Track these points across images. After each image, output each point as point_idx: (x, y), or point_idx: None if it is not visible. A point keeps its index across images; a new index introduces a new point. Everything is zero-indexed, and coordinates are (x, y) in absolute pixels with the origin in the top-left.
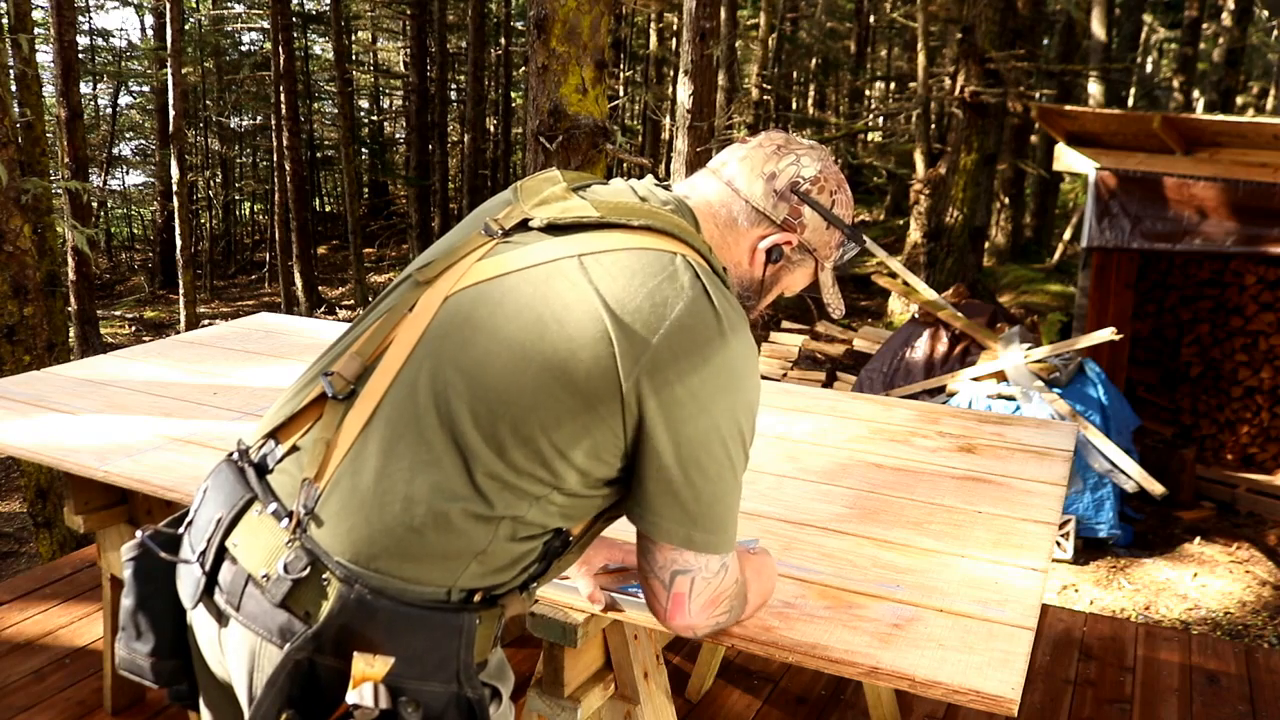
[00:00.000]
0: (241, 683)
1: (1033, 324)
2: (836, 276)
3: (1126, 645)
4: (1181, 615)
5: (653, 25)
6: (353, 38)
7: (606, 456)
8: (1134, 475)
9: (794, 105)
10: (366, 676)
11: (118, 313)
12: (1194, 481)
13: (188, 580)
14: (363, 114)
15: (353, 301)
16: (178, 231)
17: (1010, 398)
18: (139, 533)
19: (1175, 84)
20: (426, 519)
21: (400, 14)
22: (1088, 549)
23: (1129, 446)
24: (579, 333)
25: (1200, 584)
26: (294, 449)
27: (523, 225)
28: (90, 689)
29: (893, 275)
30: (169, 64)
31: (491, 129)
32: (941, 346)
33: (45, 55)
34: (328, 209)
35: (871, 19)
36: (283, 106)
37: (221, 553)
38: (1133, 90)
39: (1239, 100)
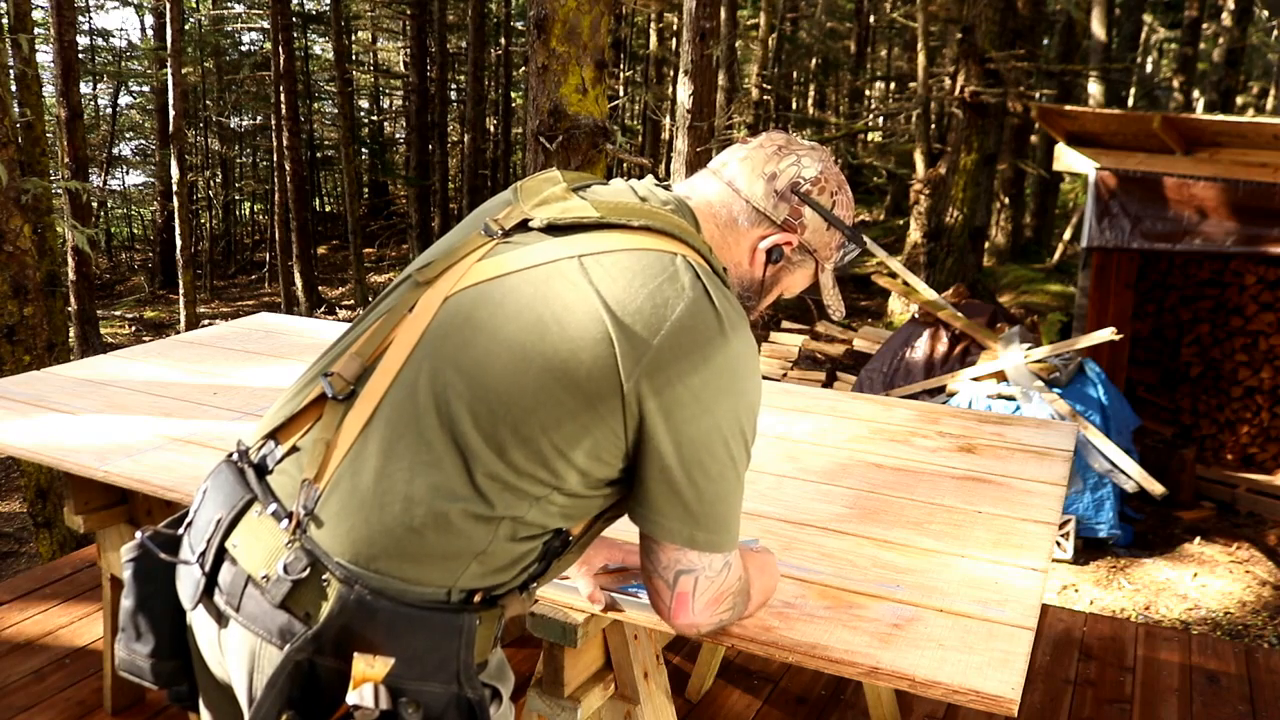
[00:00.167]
0: (241, 684)
1: (1033, 324)
2: (836, 278)
3: (1126, 645)
4: (1181, 615)
5: (653, 25)
6: (353, 38)
7: (607, 457)
8: (1134, 475)
9: (794, 105)
10: (367, 677)
11: (118, 313)
12: (1194, 481)
13: (187, 581)
14: (363, 114)
15: (353, 301)
16: (178, 231)
17: (1010, 398)
18: (139, 533)
19: (1175, 84)
20: (426, 519)
21: (400, 14)
22: (1088, 549)
23: (1129, 446)
24: (579, 334)
25: (1200, 584)
26: (294, 450)
27: (523, 225)
28: (90, 689)
29: (893, 275)
30: (169, 64)
31: (491, 129)
32: (941, 346)
33: (45, 55)
34: (328, 209)
35: (871, 19)
36: (283, 106)
37: (221, 553)
38: (1133, 90)
39: (1239, 100)
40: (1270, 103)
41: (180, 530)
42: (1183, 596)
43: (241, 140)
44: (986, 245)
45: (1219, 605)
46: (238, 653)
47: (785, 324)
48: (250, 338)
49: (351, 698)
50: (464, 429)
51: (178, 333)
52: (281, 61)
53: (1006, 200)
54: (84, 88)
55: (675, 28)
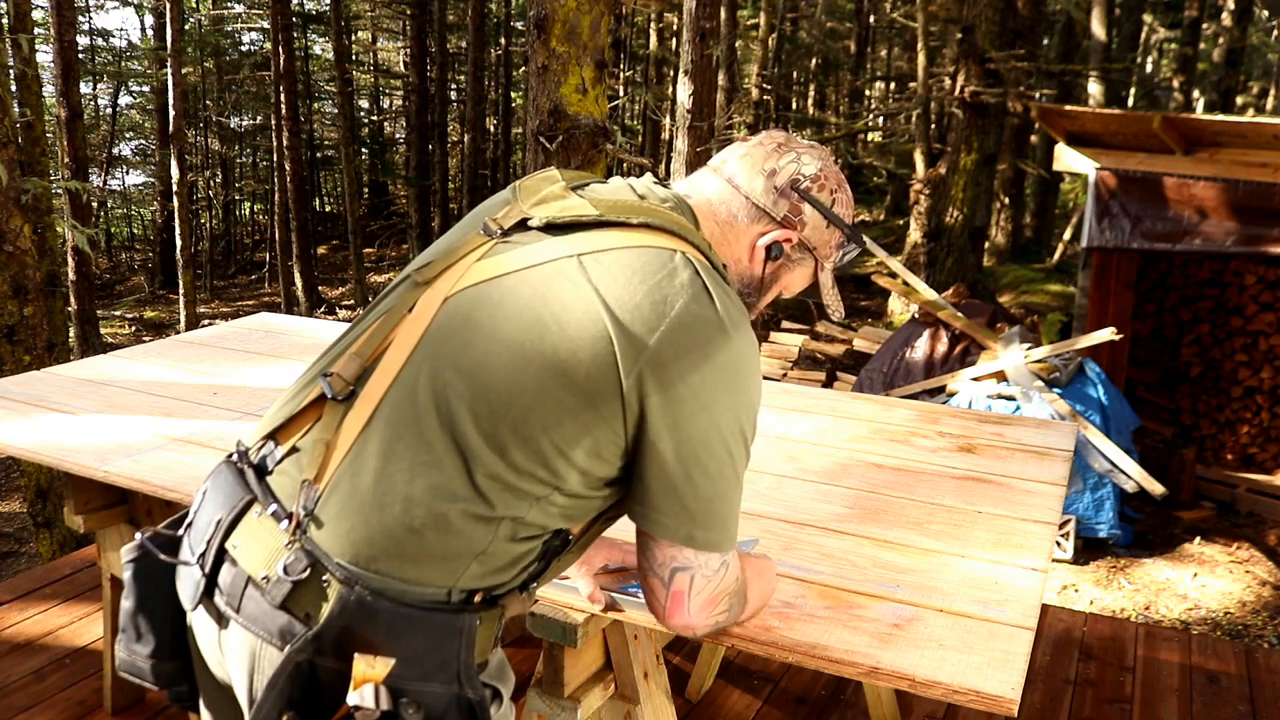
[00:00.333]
0: (242, 684)
1: (1033, 324)
2: (836, 278)
3: (1126, 645)
4: (1181, 615)
5: (653, 25)
6: (353, 38)
7: (607, 456)
8: (1134, 475)
9: (794, 105)
10: (367, 678)
11: (118, 313)
12: (1194, 481)
13: (187, 582)
14: (363, 114)
15: (353, 301)
16: (178, 231)
17: (1010, 398)
18: (139, 534)
19: (1175, 84)
20: (426, 520)
21: (400, 14)
22: (1088, 549)
23: (1129, 446)
24: (578, 333)
25: (1200, 584)
26: (293, 450)
27: (521, 225)
28: (90, 689)
29: (893, 275)
30: (169, 64)
31: (491, 129)
32: (941, 346)
33: (45, 55)
34: (328, 209)
35: (871, 19)
36: (283, 106)
37: (221, 554)
38: (1133, 90)
39: (1239, 100)
40: (1270, 103)
41: (180, 531)
42: (1183, 596)
43: (241, 140)
44: (986, 245)
45: (1219, 605)
46: (238, 653)
47: (785, 324)
48: (250, 338)
49: (352, 698)
50: (464, 429)
51: (178, 333)
52: (281, 61)
53: (1006, 200)
54: (84, 88)
55: (675, 28)
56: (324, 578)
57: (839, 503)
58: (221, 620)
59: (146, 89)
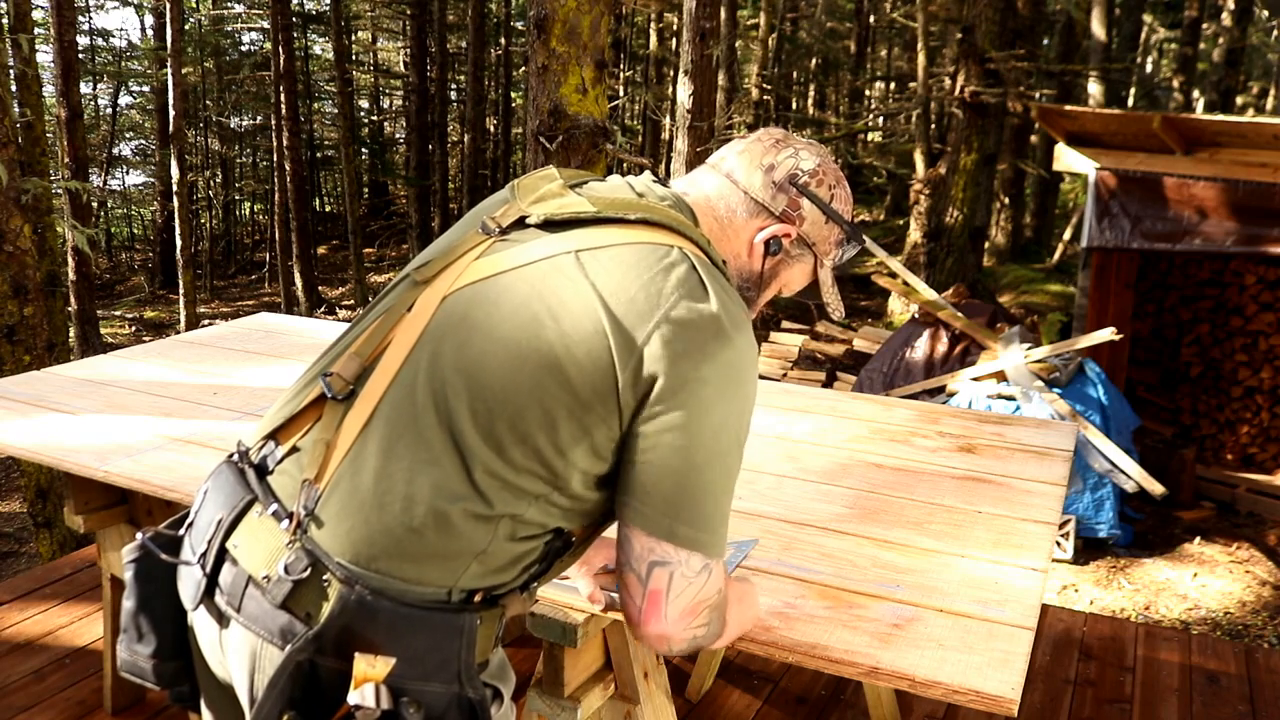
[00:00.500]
0: (243, 684)
1: (1033, 324)
2: (836, 277)
3: (1126, 645)
4: (1181, 615)
5: (653, 25)
6: (353, 38)
7: (605, 454)
8: (1134, 475)
9: (794, 105)
10: (368, 677)
11: (118, 313)
12: (1194, 481)
13: (188, 582)
14: (363, 114)
15: (353, 301)
16: (178, 231)
17: (1010, 398)
18: (139, 534)
19: (1175, 84)
20: (426, 519)
21: (400, 14)
22: (1088, 549)
23: (1129, 446)
24: (574, 328)
25: (1200, 584)
26: (294, 450)
27: (520, 223)
28: (90, 689)
29: (893, 275)
30: (169, 64)
31: (491, 129)
32: (941, 346)
33: (45, 55)
34: (328, 209)
35: (871, 19)
36: (283, 106)
37: (222, 554)
38: (1133, 90)
39: (1239, 100)
40: (1270, 103)
41: (181, 531)
42: (1183, 596)
43: (241, 140)
44: (986, 245)
45: (1219, 605)
46: (239, 653)
47: (785, 324)
48: (250, 338)
49: (353, 698)
50: (462, 427)
51: (178, 333)
52: (281, 61)
53: (1006, 200)
54: (84, 88)
55: (675, 28)
56: (324, 577)
57: (839, 503)
58: (222, 620)
59: (146, 89)
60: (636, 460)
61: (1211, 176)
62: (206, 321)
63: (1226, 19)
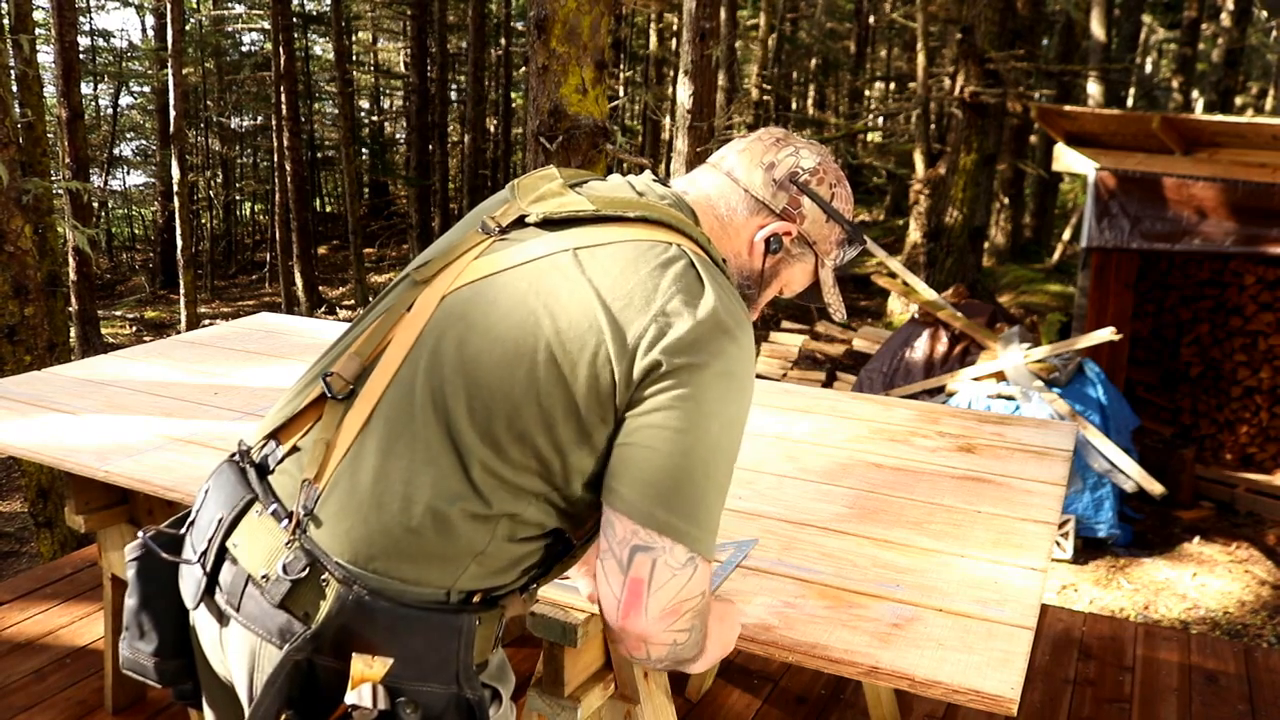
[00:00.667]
0: (242, 683)
1: (1032, 324)
2: (837, 277)
3: (1126, 645)
4: (1181, 615)
5: (653, 25)
6: (353, 38)
7: (603, 449)
8: (1133, 475)
9: (794, 105)
10: (365, 677)
11: (118, 313)
12: (1193, 481)
13: (189, 580)
14: (363, 114)
15: (353, 301)
16: (178, 232)
17: (1010, 398)
18: (140, 533)
19: (1174, 84)
20: (424, 519)
21: (401, 14)
22: (1087, 549)
23: (1128, 446)
24: (571, 326)
25: (1199, 583)
26: (294, 449)
27: (519, 222)
28: (91, 688)
29: (892, 275)
30: (170, 64)
31: (492, 129)
32: (941, 346)
33: (46, 56)
34: (328, 209)
35: (871, 19)
36: (283, 107)
37: (222, 553)
38: (1132, 90)
39: (1238, 100)
40: (1269, 103)
41: (183, 530)
42: (1182, 596)
43: (242, 140)
44: (986, 245)
45: (1218, 605)
46: (238, 652)
47: (785, 324)
48: (251, 338)
49: (350, 698)
50: (460, 426)
51: (178, 333)
52: (282, 62)
53: (1006, 200)
54: (85, 88)
55: (675, 28)
56: (323, 577)
57: (839, 503)
58: (222, 619)
59: (147, 89)
60: (628, 444)
61: (1211, 177)
62: (207, 321)
63: (1226, 19)
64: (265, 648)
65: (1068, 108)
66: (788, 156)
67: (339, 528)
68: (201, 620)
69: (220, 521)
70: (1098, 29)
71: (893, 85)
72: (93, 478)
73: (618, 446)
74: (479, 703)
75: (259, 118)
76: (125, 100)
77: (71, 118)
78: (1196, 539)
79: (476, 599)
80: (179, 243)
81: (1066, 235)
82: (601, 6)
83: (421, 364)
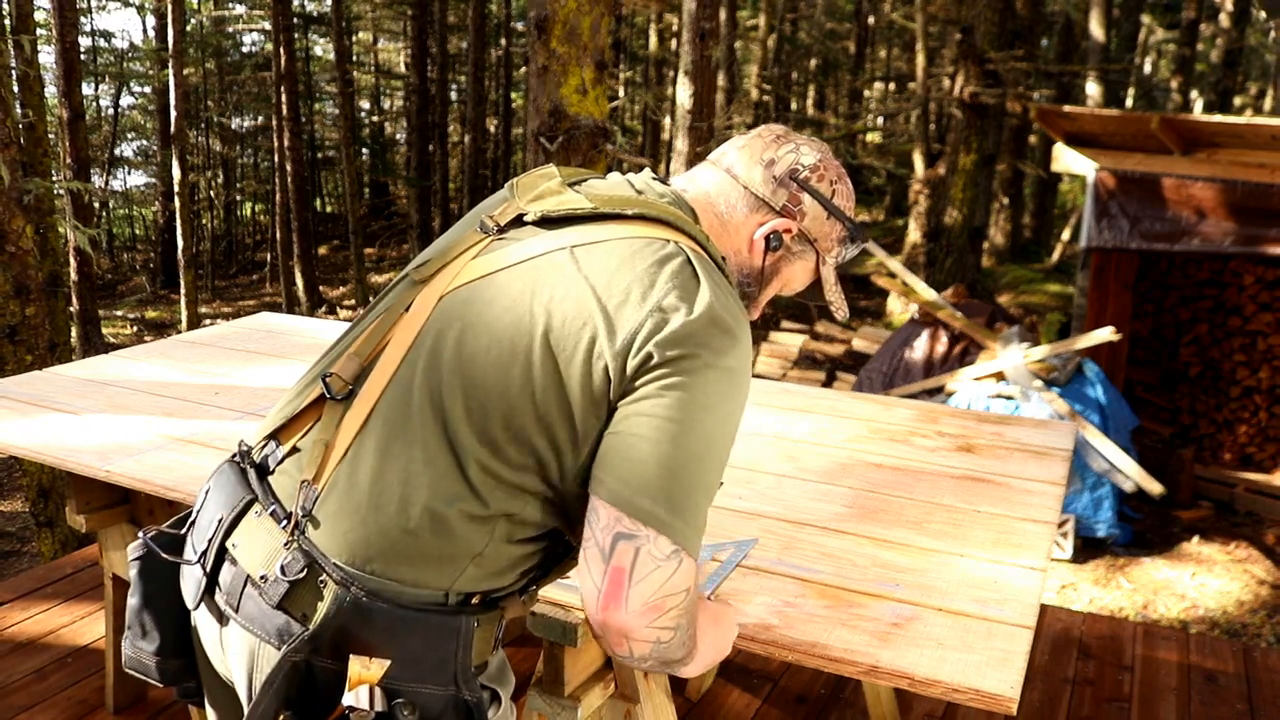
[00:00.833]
0: (242, 683)
1: (1032, 324)
2: (838, 275)
3: (1125, 644)
4: (1180, 614)
5: (653, 25)
6: (353, 39)
7: (598, 446)
8: (1132, 475)
9: (794, 106)
10: (363, 679)
11: (119, 313)
12: (1192, 481)
13: (190, 581)
14: (363, 114)
15: (354, 301)
16: (179, 232)
17: (1009, 397)
18: (141, 534)
19: (1173, 84)
20: (422, 520)
21: (401, 15)
22: (1087, 548)
23: (1128, 446)
24: (566, 323)
25: (1198, 583)
26: (294, 450)
27: (518, 221)
28: (92, 688)
29: (892, 275)
30: (170, 65)
31: (492, 129)
32: (940, 346)
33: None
34: (329, 209)
35: (871, 20)
36: (284, 107)
37: (222, 553)
38: (1131, 91)
39: (1237, 101)
40: (1268, 103)
41: (184, 530)
42: (1181, 595)
43: (243, 141)
44: (985, 245)
45: (1217, 604)
46: (238, 652)
47: (785, 324)
48: (251, 337)
49: (348, 699)
50: (457, 426)
51: (179, 332)
52: (282, 62)
53: (1005, 200)
54: (86, 89)
55: (675, 28)
56: (320, 578)
57: (839, 502)
58: (222, 619)
59: (148, 90)
60: (616, 432)
61: (1210, 177)
62: (208, 321)
63: (1225, 20)
64: (264, 648)
65: (1067, 108)
66: (788, 153)
67: (337, 529)
68: (202, 620)
69: (220, 522)
70: (1097, 29)
71: (892, 85)
72: (94, 477)
73: (606, 435)
74: (477, 704)
75: (259, 118)
76: (126, 100)
77: (72, 118)
78: (1195, 539)
79: (475, 601)
80: (180, 243)
81: (1066, 235)
82: (601, 7)
83: (419, 364)
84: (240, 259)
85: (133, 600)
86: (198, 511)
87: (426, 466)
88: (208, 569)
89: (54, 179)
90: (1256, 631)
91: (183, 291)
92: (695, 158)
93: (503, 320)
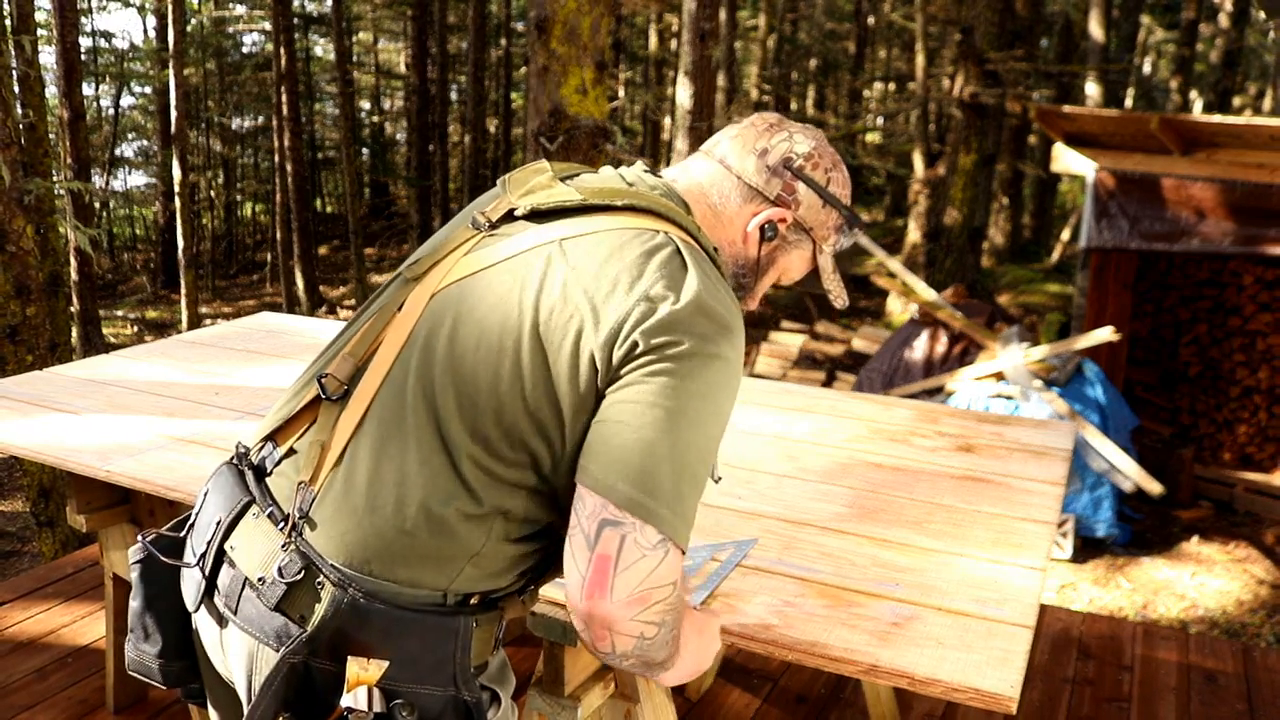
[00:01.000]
0: (242, 684)
1: (1031, 324)
2: (837, 267)
3: (1124, 644)
4: (1179, 614)
5: (653, 26)
6: (354, 39)
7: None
8: (1132, 474)
9: (794, 106)
10: (361, 680)
11: (120, 313)
12: (1192, 481)
13: (190, 583)
14: (364, 115)
15: (354, 301)
16: (180, 232)
17: (1009, 397)
18: (140, 537)
19: (1173, 85)
20: (418, 520)
21: (401, 15)
22: (1086, 548)
23: (1127, 446)
24: (555, 317)
25: (1198, 583)
26: (291, 451)
27: (509, 216)
28: (92, 688)
29: (892, 275)
30: (171, 65)
31: (492, 129)
32: (940, 346)
33: (48, 56)
34: (329, 209)
35: (870, 20)
36: (284, 107)
37: (220, 555)
38: (1131, 91)
39: (1236, 101)
40: (1267, 104)
41: (183, 532)
42: (1181, 595)
43: (243, 141)
44: (985, 245)
45: (1217, 604)
46: (238, 654)
47: (785, 323)
48: (252, 337)
49: (346, 700)
50: (449, 424)
51: (180, 332)
52: (283, 63)
53: (1005, 201)
54: (86, 89)
55: (675, 29)
56: (318, 580)
57: (839, 502)
58: (221, 621)
59: (148, 90)
60: (603, 420)
61: (1209, 177)
62: (208, 321)
63: (1224, 20)
64: (263, 650)
65: (1066, 108)
66: (781, 142)
67: (334, 530)
68: (202, 622)
69: (218, 524)
70: (1096, 30)
71: (892, 86)
72: (94, 477)
73: (594, 424)
74: (476, 705)
75: (260, 118)
76: (127, 101)
77: (73, 118)
78: (1195, 538)
79: (474, 601)
80: (180, 243)
81: (1065, 235)
82: (601, 7)
83: (412, 363)
84: (240, 259)
85: (134, 603)
86: (196, 514)
87: (421, 466)
88: (206, 571)
89: (54, 179)
90: (1256, 631)
91: (183, 291)
92: None
93: (492, 316)
